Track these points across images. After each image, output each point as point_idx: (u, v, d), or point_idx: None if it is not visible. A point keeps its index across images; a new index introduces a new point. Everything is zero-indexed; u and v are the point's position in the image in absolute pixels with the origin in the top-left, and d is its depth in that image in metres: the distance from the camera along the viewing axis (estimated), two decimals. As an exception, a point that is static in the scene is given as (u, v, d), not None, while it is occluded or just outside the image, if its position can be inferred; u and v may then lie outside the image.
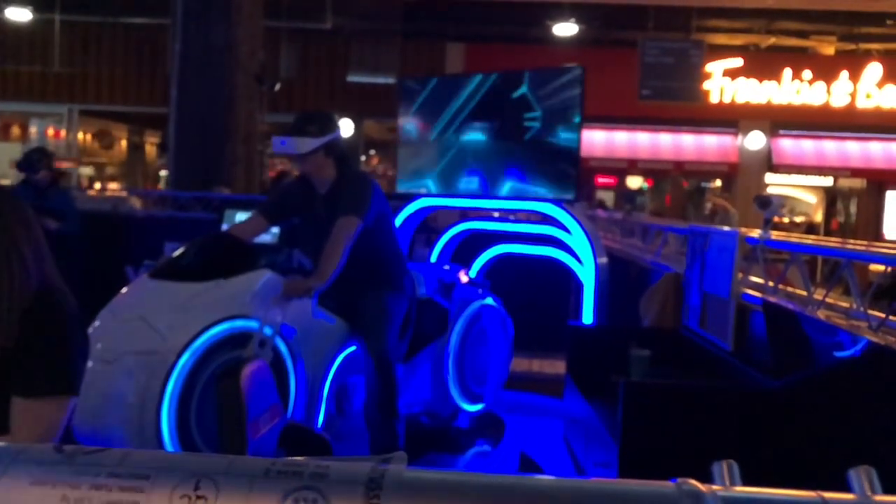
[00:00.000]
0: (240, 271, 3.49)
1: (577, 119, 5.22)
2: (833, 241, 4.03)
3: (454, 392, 4.55)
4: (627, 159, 16.08)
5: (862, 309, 3.08)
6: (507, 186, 5.58)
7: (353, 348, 3.85)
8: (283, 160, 16.76)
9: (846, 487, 0.68)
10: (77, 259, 6.10)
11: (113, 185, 16.87)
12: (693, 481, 0.67)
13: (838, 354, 2.99)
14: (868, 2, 13.15)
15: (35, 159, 6.02)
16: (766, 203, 4.04)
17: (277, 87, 11.01)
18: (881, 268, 3.50)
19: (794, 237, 4.28)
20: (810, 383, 2.92)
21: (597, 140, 15.72)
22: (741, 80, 15.75)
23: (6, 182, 12.77)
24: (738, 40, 16.10)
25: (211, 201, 7.78)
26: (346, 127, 15.92)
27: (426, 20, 15.52)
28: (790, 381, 2.99)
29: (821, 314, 3.24)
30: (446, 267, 5.09)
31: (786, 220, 16.44)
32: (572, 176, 5.29)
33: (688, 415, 2.96)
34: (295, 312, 3.48)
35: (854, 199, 17.52)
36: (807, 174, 16.52)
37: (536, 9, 14.32)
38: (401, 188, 6.18)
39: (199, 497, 0.65)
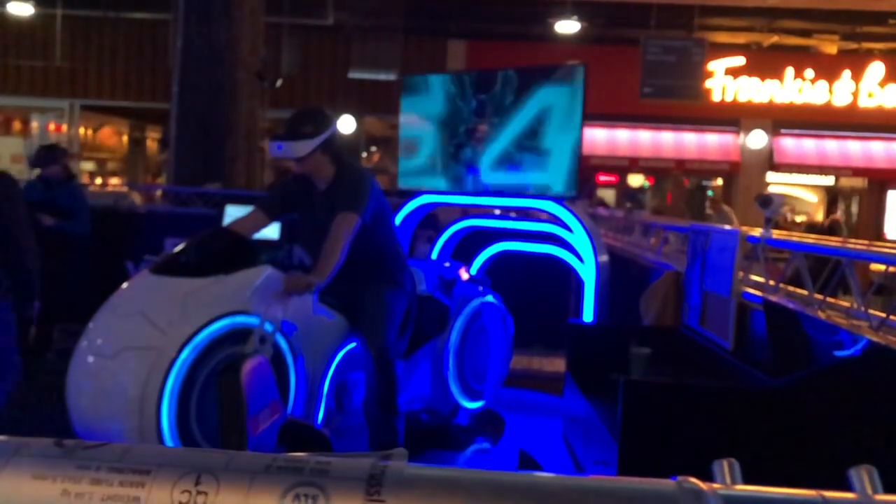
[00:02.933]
0: (240, 267, 3.49)
1: (578, 117, 5.22)
2: (834, 241, 4.03)
3: (454, 389, 4.55)
4: (629, 157, 16.08)
5: (863, 308, 3.08)
6: (508, 183, 5.58)
7: (353, 345, 3.85)
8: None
9: (847, 486, 0.68)
10: (82, 258, 6.07)
11: (114, 181, 16.88)
12: (694, 479, 0.67)
13: (839, 354, 3.00)
14: (870, 1, 13.13)
15: (41, 155, 6.00)
16: (767, 202, 4.04)
17: (279, 83, 11.01)
18: (882, 267, 3.50)
19: (795, 236, 4.27)
20: (811, 382, 2.92)
21: (598, 138, 15.72)
22: (743, 78, 15.73)
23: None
24: (740, 39, 16.08)
25: (211, 197, 7.78)
26: (347, 123, 15.91)
27: (428, 17, 15.50)
28: (791, 381, 2.99)
29: (821, 313, 3.24)
30: (447, 264, 5.09)
31: (798, 219, 16.42)
32: (573, 173, 5.28)
33: (688, 413, 2.96)
34: (295, 308, 3.48)
35: (855, 198, 17.52)
36: (808, 173, 16.52)
37: (538, 6, 14.31)
38: (401, 185, 6.17)
39: (199, 492, 0.65)
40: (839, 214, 16.71)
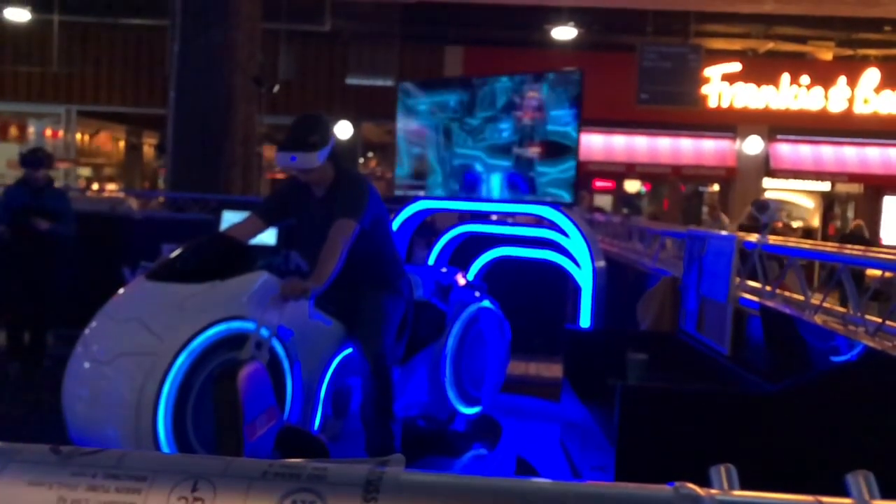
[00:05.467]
0: (237, 273, 3.49)
1: (575, 122, 5.23)
2: (830, 246, 4.03)
3: (451, 395, 4.54)
4: (625, 163, 16.10)
5: (859, 314, 3.08)
6: (505, 189, 5.58)
7: (349, 350, 3.85)
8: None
9: (844, 492, 0.68)
10: (71, 261, 6.08)
11: (111, 186, 16.86)
12: (691, 485, 0.67)
13: (835, 359, 3.00)
14: (866, 8, 13.18)
15: (41, 157, 5.96)
16: (763, 208, 4.04)
17: (276, 88, 11.02)
18: (878, 273, 3.50)
19: (792, 242, 4.28)
20: (807, 388, 2.93)
21: (595, 144, 15.74)
22: (739, 84, 15.78)
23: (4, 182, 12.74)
24: (737, 45, 16.14)
25: (208, 202, 7.79)
26: (345, 129, 15.93)
27: (425, 23, 15.54)
28: (787, 386, 2.99)
29: (818, 319, 3.25)
30: (444, 269, 5.09)
31: (795, 224, 16.40)
32: (570, 179, 5.29)
33: (685, 419, 2.96)
34: (292, 314, 3.47)
35: (851, 204, 17.56)
36: (804, 179, 16.55)
37: (535, 12, 14.34)
38: (399, 191, 6.18)
39: (196, 499, 0.65)
40: (839, 220, 16.77)
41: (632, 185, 17.63)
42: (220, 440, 3.07)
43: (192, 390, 3.26)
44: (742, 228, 8.89)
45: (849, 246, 4.06)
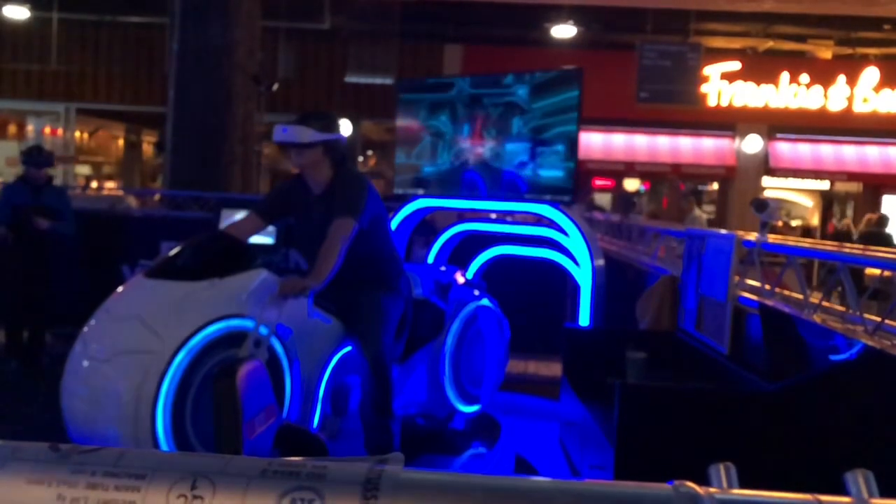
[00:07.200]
0: (236, 271, 3.49)
1: (574, 121, 5.23)
2: (829, 245, 4.04)
3: (450, 393, 4.55)
4: (625, 162, 16.11)
5: (858, 313, 3.09)
6: (504, 187, 5.58)
7: (348, 349, 3.85)
8: (281, 166, 16.77)
9: (843, 490, 0.68)
10: (70, 259, 6.08)
11: (109, 185, 16.86)
12: (690, 484, 0.67)
13: (834, 358, 3.00)
14: (865, 6, 13.18)
15: (46, 157, 5.94)
16: (762, 206, 4.04)
17: (275, 87, 11.01)
18: (877, 272, 3.51)
19: (791, 240, 4.29)
20: (806, 387, 2.93)
21: (594, 142, 15.74)
22: (739, 83, 15.78)
23: (1, 180, 12.73)
24: (736, 44, 16.13)
25: (207, 201, 7.79)
26: (344, 127, 15.91)
27: (424, 21, 15.52)
28: (786, 385, 2.99)
29: (817, 318, 3.25)
30: (443, 268, 5.09)
31: (794, 223, 16.39)
32: (570, 178, 5.29)
33: (684, 418, 2.96)
34: (291, 312, 3.47)
35: (850, 202, 17.57)
36: (803, 178, 16.56)
37: (535, 11, 14.34)
38: (398, 189, 6.18)
39: (195, 497, 0.65)
40: (841, 219, 16.78)
41: (631, 184, 17.63)
42: (219, 438, 3.07)
43: (191, 388, 3.26)
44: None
45: (847, 245, 4.06)
